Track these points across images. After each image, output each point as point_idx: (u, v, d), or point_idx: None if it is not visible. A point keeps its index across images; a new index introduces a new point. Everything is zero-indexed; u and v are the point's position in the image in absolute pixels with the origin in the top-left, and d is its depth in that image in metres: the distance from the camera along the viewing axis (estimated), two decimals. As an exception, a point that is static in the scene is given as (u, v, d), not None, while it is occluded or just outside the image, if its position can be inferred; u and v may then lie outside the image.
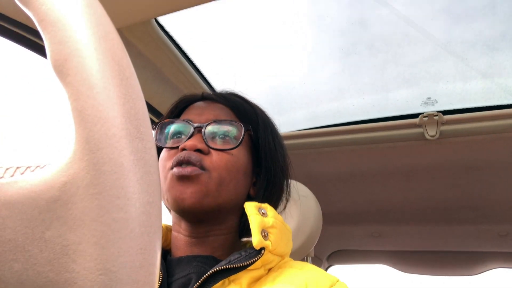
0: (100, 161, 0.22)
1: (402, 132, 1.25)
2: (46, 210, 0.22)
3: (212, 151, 0.62)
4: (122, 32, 0.97)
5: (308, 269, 0.60)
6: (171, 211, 0.67)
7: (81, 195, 0.22)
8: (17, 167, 0.24)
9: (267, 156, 0.67)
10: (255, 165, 0.68)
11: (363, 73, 1.32)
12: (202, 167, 0.60)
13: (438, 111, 1.21)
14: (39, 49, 0.96)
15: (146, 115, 0.25)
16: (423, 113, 1.22)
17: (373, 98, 1.35)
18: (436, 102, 1.27)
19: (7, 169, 0.24)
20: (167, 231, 0.70)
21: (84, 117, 0.22)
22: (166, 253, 0.67)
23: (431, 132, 1.21)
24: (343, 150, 1.34)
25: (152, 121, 1.21)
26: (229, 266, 0.55)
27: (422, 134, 1.22)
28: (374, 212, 1.74)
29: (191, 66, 1.16)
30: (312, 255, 1.56)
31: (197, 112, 0.67)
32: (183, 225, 0.64)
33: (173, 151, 0.63)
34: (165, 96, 1.16)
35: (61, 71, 0.23)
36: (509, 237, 1.78)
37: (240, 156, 0.64)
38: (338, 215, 1.75)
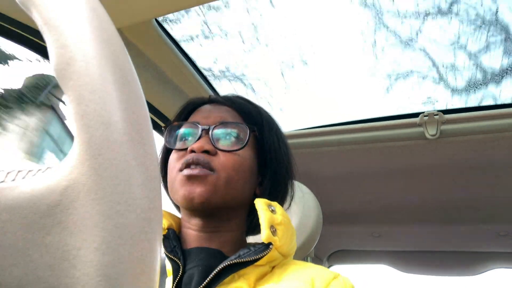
0: (102, 166, 0.22)
1: (402, 132, 1.25)
2: (47, 214, 0.22)
3: (219, 152, 0.64)
4: (123, 32, 0.96)
5: (311, 265, 0.63)
6: (181, 209, 0.69)
7: (82, 200, 0.22)
8: (19, 171, 0.23)
9: (272, 157, 0.69)
10: (261, 165, 0.70)
11: (363, 72, 1.32)
12: (211, 168, 0.62)
13: (438, 110, 1.21)
14: (40, 49, 0.96)
15: (148, 120, 0.25)
16: (423, 112, 1.21)
17: (373, 97, 1.35)
18: (437, 101, 1.27)
19: (8, 173, 0.23)
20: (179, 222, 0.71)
21: (86, 122, 0.22)
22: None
23: (431, 131, 1.21)
24: (343, 149, 1.34)
25: (153, 121, 1.21)
26: (239, 260, 0.56)
27: (423, 133, 1.22)
28: (374, 212, 1.74)
29: (191, 66, 1.15)
30: (313, 255, 1.56)
31: (204, 115, 0.69)
32: (193, 220, 0.66)
33: (182, 152, 0.66)
34: (165, 96, 1.16)
35: (64, 75, 0.23)
36: (509, 237, 1.78)
37: (246, 156, 0.66)
38: (338, 215, 1.75)
